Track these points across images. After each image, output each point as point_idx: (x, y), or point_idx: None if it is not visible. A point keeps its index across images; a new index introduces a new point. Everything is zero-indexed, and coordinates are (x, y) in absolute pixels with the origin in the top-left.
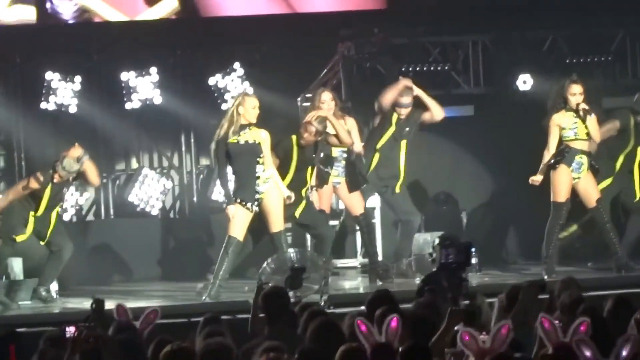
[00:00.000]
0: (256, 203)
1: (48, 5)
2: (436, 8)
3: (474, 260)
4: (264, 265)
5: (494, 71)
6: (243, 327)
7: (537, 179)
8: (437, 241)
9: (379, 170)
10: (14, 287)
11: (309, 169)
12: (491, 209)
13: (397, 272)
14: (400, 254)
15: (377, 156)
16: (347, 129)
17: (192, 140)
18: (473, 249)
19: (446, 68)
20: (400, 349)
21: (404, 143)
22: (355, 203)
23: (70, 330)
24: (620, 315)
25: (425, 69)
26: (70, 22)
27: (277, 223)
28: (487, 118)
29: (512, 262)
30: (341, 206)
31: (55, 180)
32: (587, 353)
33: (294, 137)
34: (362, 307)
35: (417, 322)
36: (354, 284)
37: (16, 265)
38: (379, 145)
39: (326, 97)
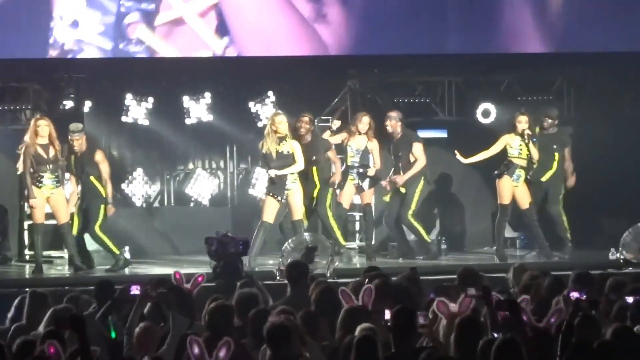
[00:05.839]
0: (285, 196)
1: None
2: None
3: (443, 247)
4: (285, 244)
5: (463, 104)
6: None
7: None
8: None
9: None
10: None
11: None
12: (458, 206)
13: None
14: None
15: None
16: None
17: (234, 149)
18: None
19: (427, 100)
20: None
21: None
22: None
23: (135, 288)
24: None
25: (411, 101)
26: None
27: (298, 213)
28: (456, 139)
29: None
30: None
31: None
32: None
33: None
34: (358, 279)
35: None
36: (353, 260)
37: None
38: None
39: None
